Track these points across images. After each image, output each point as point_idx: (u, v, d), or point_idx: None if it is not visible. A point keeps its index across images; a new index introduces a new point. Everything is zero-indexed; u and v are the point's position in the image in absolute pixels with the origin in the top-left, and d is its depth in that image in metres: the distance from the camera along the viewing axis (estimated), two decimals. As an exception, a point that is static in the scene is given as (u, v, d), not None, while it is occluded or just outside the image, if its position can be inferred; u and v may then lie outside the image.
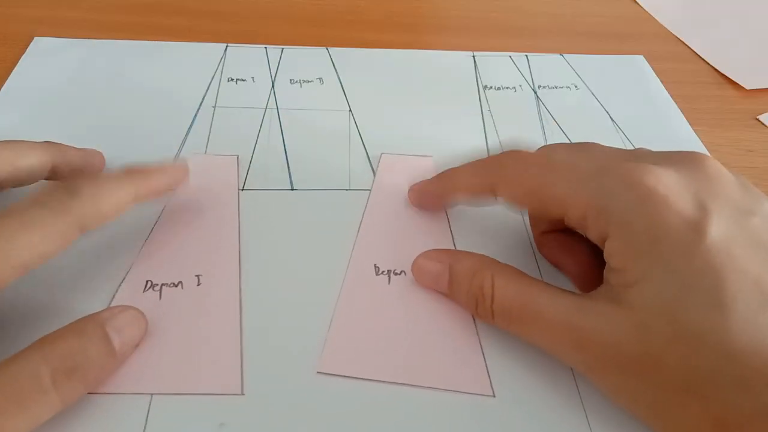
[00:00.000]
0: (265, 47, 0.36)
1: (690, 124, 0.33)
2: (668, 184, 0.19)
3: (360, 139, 0.30)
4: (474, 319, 0.22)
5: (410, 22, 0.41)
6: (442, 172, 0.25)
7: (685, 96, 0.35)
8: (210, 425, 0.19)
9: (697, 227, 0.18)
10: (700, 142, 0.32)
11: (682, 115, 0.34)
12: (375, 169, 0.28)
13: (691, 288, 0.17)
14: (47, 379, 0.17)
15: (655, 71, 0.37)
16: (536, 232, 0.25)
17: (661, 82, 0.36)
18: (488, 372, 0.21)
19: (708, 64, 0.39)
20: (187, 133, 0.29)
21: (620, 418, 0.20)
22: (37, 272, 0.19)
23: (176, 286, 0.22)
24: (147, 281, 0.22)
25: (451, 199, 0.25)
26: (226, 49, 0.35)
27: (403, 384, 0.20)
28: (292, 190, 0.27)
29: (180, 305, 0.22)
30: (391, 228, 0.26)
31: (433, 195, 0.26)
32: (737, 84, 0.37)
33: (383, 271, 0.24)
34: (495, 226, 0.26)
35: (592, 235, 0.20)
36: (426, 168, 0.28)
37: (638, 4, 0.45)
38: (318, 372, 0.20)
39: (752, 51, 0.41)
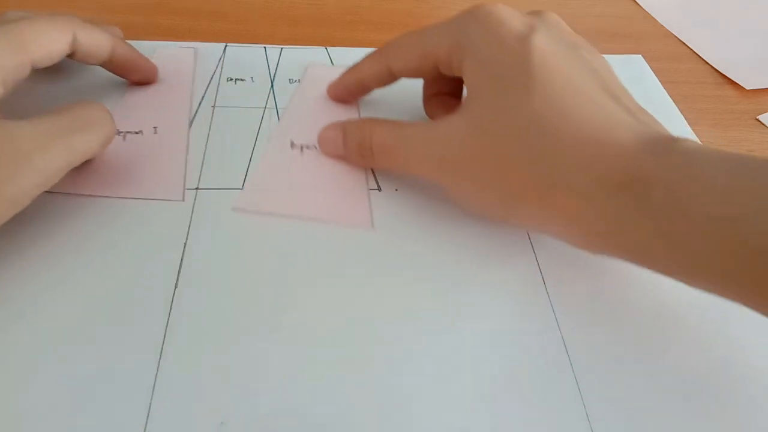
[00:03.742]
0: (264, 47, 0.36)
1: (689, 124, 0.33)
2: (508, 13, 0.23)
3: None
4: (366, 177, 0.28)
5: (410, 22, 0.41)
6: (351, 66, 0.30)
7: (684, 96, 0.35)
8: (211, 424, 0.19)
9: (523, 38, 0.22)
10: (699, 142, 0.32)
11: (681, 115, 0.34)
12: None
13: (511, 81, 0.21)
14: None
15: (654, 71, 0.37)
16: (426, 95, 0.30)
17: (661, 82, 0.36)
18: (371, 211, 0.26)
19: (708, 64, 0.39)
20: (187, 133, 0.29)
21: (621, 419, 0.20)
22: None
23: (138, 133, 0.29)
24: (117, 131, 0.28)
25: (359, 87, 0.30)
26: (225, 48, 0.35)
27: (304, 218, 0.26)
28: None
29: (139, 148, 0.28)
30: (308, 115, 0.31)
31: (344, 85, 0.31)
32: (737, 84, 0.37)
33: (297, 145, 0.29)
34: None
35: (456, 70, 0.24)
36: None
37: (638, 4, 0.45)
38: (233, 208, 0.26)
39: (752, 51, 0.41)
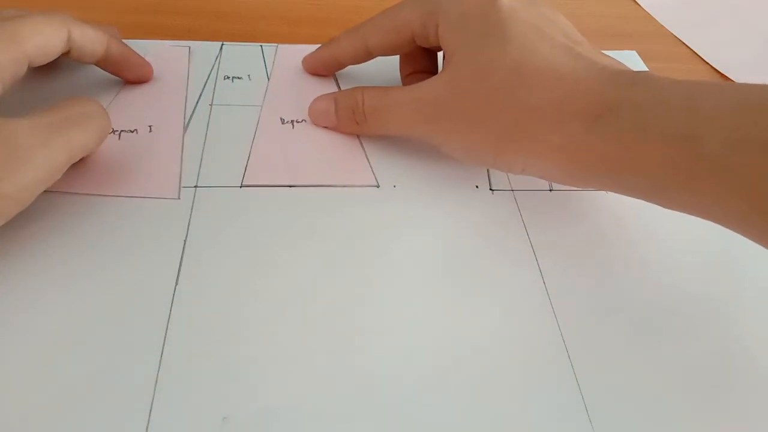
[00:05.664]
0: (261, 45, 0.36)
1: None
2: None
3: (357, 137, 0.30)
4: (361, 146, 0.29)
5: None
6: (327, 42, 0.31)
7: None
8: (214, 418, 0.19)
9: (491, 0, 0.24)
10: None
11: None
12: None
13: (486, 34, 0.23)
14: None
15: (654, 71, 0.37)
16: (403, 75, 0.32)
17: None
18: (372, 170, 0.28)
19: (707, 64, 0.39)
20: (185, 131, 0.29)
21: (620, 415, 0.20)
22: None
23: (133, 131, 0.28)
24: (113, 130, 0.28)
25: (335, 63, 0.32)
26: (221, 47, 0.35)
27: (307, 186, 0.27)
28: (291, 187, 0.27)
29: (134, 146, 0.28)
30: (291, 92, 0.32)
31: (320, 60, 0.32)
32: (737, 83, 0.37)
33: (288, 121, 0.29)
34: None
35: (433, 38, 0.26)
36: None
37: (638, 3, 0.45)
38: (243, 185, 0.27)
39: (752, 51, 0.41)
